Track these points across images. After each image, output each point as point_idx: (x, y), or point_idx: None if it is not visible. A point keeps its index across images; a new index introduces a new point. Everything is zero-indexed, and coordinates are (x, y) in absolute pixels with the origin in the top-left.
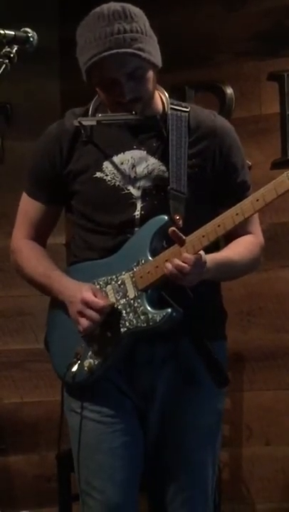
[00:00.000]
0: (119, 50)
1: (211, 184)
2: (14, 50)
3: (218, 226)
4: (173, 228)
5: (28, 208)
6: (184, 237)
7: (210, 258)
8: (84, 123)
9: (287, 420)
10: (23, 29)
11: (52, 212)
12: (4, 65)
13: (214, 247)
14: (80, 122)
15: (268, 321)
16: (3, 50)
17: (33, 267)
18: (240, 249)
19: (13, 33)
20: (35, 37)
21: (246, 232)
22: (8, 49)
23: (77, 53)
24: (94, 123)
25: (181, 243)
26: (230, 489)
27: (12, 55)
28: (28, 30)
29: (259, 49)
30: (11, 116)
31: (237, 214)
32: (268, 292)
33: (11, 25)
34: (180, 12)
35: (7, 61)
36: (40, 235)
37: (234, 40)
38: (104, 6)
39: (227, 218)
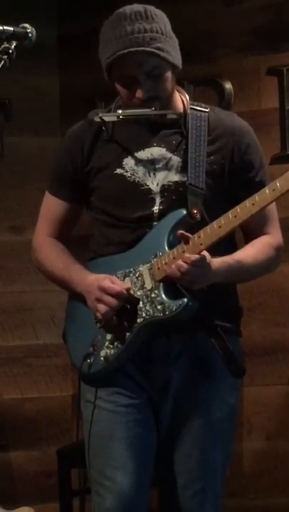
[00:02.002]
0: (139, 49)
1: (229, 181)
2: (13, 46)
3: (235, 217)
4: (181, 232)
5: (50, 205)
6: (189, 236)
7: (221, 261)
8: (105, 118)
9: (287, 415)
10: (21, 25)
11: (74, 210)
12: (3, 61)
13: (232, 247)
14: (101, 118)
15: (268, 316)
16: (2, 46)
17: (53, 263)
18: (253, 250)
19: (11, 28)
20: (34, 33)
21: (264, 233)
22: (7, 45)
23: (99, 51)
24: (115, 118)
25: (186, 242)
26: (230, 483)
27: (11, 51)
28: (27, 26)
29: (258, 44)
30: (10, 112)
31: (253, 204)
32: (268, 287)
33: (10, 21)
34: (179, 7)
35: (6, 57)
36: (61, 232)
37: (233, 35)
38: (128, 7)
39: (242, 209)
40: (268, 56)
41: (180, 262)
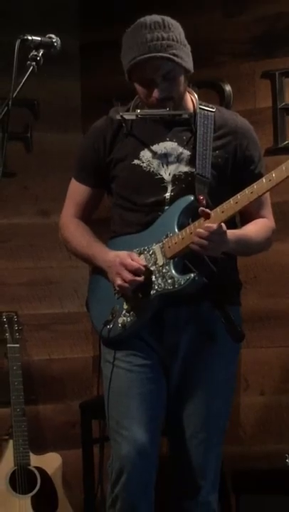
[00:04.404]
0: (157, 54)
1: (231, 172)
2: (40, 54)
3: (236, 203)
4: (202, 208)
5: (75, 190)
6: (210, 212)
7: (231, 232)
8: (125, 117)
9: (279, 373)
10: (48, 35)
11: (96, 195)
12: (32, 67)
13: (233, 227)
14: (122, 116)
15: (263, 288)
16: (31, 54)
17: (78, 241)
18: (256, 228)
19: (39, 38)
20: (59, 42)
21: (260, 216)
22: (35, 53)
23: (122, 55)
24: (134, 117)
25: (207, 217)
26: (229, 433)
27: (38, 58)
28: (53, 36)
29: (254, 51)
30: (38, 111)
31: (252, 192)
32: (262, 263)
33: (38, 32)
34: (184, 19)
35: (34, 63)
36: (85, 214)
37: (232, 43)
38: (147, 17)
39: (243, 196)
40: (262, 62)
41: (201, 230)
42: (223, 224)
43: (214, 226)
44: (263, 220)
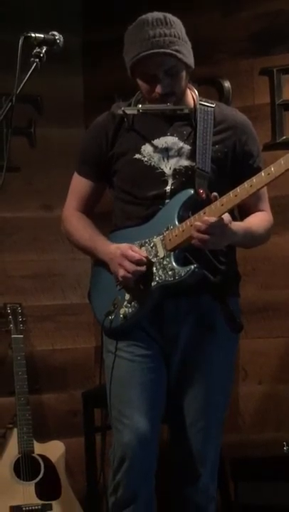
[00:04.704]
0: (160, 50)
1: (230, 166)
2: (44, 51)
3: (235, 196)
4: (215, 194)
5: (77, 184)
6: (216, 194)
7: (237, 224)
8: (127, 111)
9: (276, 363)
10: (51, 33)
11: (98, 189)
12: (35, 64)
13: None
14: (123, 111)
15: (261, 280)
16: (34, 51)
17: (80, 234)
18: (257, 221)
19: (42, 36)
20: (62, 39)
21: (258, 210)
22: (39, 50)
23: (124, 52)
24: (135, 112)
25: (214, 200)
26: (228, 422)
27: (42, 55)
28: (56, 33)
29: (252, 48)
30: (41, 107)
31: (251, 186)
32: (260, 256)
33: (41, 29)
34: (184, 17)
35: (37, 60)
36: (87, 207)
37: (231, 41)
38: (149, 14)
39: (242, 190)
40: (260, 59)
41: (198, 222)
42: (225, 216)
43: (213, 219)
44: (262, 213)
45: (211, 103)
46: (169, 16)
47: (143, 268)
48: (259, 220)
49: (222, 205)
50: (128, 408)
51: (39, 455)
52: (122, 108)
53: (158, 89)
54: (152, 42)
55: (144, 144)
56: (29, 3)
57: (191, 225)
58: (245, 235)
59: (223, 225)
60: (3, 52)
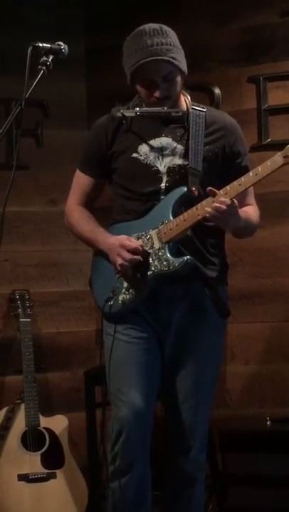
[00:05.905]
0: (158, 58)
1: (221, 166)
2: (50, 59)
3: (226, 194)
4: (210, 188)
5: (80, 180)
6: (217, 191)
7: (241, 210)
8: (126, 114)
9: (261, 345)
10: (57, 42)
11: (98, 185)
12: (42, 71)
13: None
14: (122, 113)
15: (247, 270)
16: (41, 59)
17: (82, 226)
18: (252, 212)
19: (49, 45)
20: (66, 48)
21: (247, 204)
22: (45, 58)
23: (123, 60)
24: (133, 114)
25: (213, 195)
26: (217, 399)
27: (48, 63)
28: (61, 43)
29: (241, 58)
30: (47, 111)
31: (240, 185)
32: (246, 247)
33: (48, 39)
34: (177, 28)
35: (44, 68)
36: (88, 202)
37: (221, 51)
38: (146, 25)
39: (232, 188)
40: (248, 68)
41: (217, 204)
42: (235, 201)
43: (228, 200)
44: (252, 206)
45: (202, 107)
46: (164, 27)
47: (139, 257)
48: (253, 212)
49: (213, 202)
50: (125, 386)
51: (44, 428)
52: (121, 111)
53: (157, 93)
54: (151, 50)
55: (141, 144)
56: (37, 16)
57: (185, 220)
58: (246, 222)
59: (236, 206)
60: (13, 59)
